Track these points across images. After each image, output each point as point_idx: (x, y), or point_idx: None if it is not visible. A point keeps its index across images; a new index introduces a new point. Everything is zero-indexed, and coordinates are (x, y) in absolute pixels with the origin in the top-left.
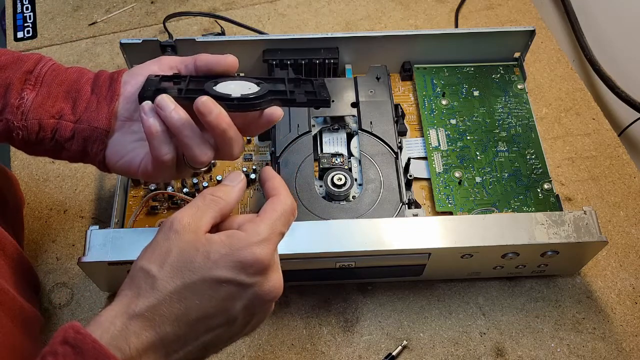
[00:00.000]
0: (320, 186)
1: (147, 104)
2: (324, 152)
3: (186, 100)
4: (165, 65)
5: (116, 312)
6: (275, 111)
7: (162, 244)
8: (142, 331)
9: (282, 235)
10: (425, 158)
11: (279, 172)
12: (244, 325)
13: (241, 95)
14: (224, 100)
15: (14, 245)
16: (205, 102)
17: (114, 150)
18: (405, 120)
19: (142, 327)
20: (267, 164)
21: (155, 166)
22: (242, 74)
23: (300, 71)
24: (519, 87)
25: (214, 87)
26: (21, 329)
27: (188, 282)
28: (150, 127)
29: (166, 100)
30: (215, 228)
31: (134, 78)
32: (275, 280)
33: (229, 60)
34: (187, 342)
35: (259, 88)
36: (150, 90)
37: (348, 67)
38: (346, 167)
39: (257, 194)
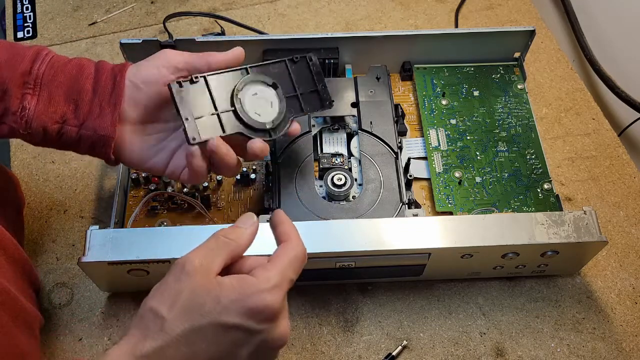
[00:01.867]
0: (320, 186)
1: (196, 150)
2: (324, 152)
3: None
4: (171, 66)
5: (123, 352)
6: (295, 130)
7: (173, 286)
8: None
9: (292, 282)
10: (425, 158)
11: (278, 172)
12: None
13: (272, 121)
14: (262, 132)
15: (15, 245)
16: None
17: (132, 156)
18: (405, 120)
19: None
20: (266, 164)
21: (191, 178)
22: None
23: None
24: (519, 87)
25: (248, 119)
26: (21, 328)
27: (197, 325)
28: (199, 168)
29: (221, 147)
30: (226, 270)
31: (142, 81)
32: (283, 328)
33: (238, 54)
34: None
35: (279, 102)
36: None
37: (348, 67)
38: (346, 167)
39: (257, 194)
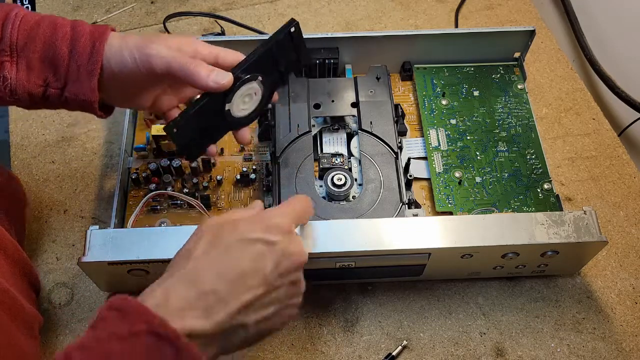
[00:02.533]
0: (320, 186)
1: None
2: (324, 152)
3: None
4: (173, 47)
5: (157, 282)
6: (275, 99)
7: (192, 237)
8: (183, 289)
9: (297, 214)
10: (425, 158)
11: (278, 172)
12: (281, 297)
13: (254, 110)
14: (246, 121)
15: (15, 246)
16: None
17: (115, 101)
18: (405, 120)
19: (182, 286)
20: (266, 164)
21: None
22: None
23: (300, 71)
24: (519, 87)
25: (234, 115)
26: (21, 328)
27: (221, 247)
28: None
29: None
30: None
31: (123, 62)
32: (298, 245)
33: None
34: (227, 300)
35: (261, 89)
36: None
37: (348, 67)
38: (346, 167)
39: (257, 194)
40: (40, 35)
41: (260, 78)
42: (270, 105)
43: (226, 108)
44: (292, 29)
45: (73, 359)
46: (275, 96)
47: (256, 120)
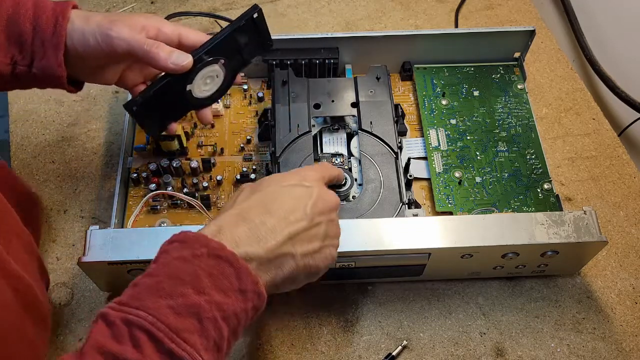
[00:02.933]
0: None
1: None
2: (324, 152)
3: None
4: (136, 28)
5: (208, 223)
6: (238, 79)
7: (233, 195)
8: (235, 223)
9: (327, 170)
10: (425, 158)
11: (279, 172)
12: (321, 233)
13: (217, 90)
14: (208, 101)
15: (27, 234)
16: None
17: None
18: (405, 120)
19: (234, 221)
20: (266, 164)
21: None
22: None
23: (300, 71)
24: (519, 87)
25: (195, 95)
26: (33, 319)
27: (263, 191)
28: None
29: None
30: None
31: (85, 41)
32: (331, 192)
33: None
34: (275, 230)
35: (223, 71)
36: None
37: (348, 67)
38: (346, 167)
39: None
40: (2, 13)
41: (222, 61)
42: (261, 94)
43: (187, 89)
44: (255, 15)
45: (140, 284)
46: (238, 78)
47: (256, 121)
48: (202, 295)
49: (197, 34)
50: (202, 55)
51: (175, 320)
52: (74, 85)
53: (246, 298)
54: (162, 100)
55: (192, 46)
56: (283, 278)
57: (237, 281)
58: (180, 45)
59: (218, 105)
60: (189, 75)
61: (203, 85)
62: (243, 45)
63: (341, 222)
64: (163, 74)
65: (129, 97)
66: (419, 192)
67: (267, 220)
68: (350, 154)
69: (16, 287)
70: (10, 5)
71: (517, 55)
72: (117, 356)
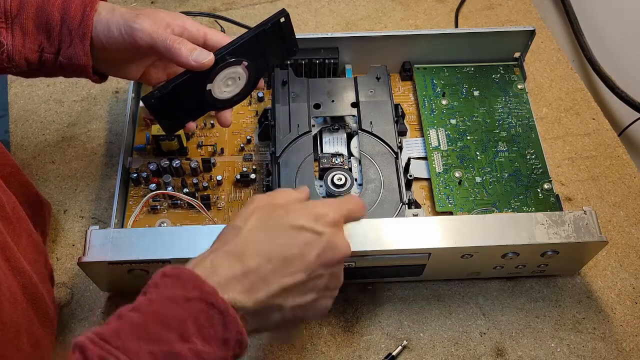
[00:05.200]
0: (321, 186)
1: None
2: (324, 152)
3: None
4: (161, 24)
5: (206, 254)
6: (260, 85)
7: (242, 213)
8: (230, 263)
9: (349, 212)
10: (425, 158)
11: (278, 172)
12: (320, 286)
13: (239, 93)
14: (229, 103)
15: (39, 240)
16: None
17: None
18: (405, 120)
19: (229, 260)
20: (266, 164)
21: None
22: None
23: (300, 71)
24: (519, 87)
25: (215, 96)
26: (39, 317)
27: (270, 228)
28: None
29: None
30: None
31: (110, 33)
32: (344, 240)
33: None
34: (269, 281)
35: (245, 73)
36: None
37: (348, 67)
38: (346, 167)
39: (257, 194)
40: (32, 1)
41: (245, 63)
42: (262, 94)
43: (207, 88)
44: (282, 19)
45: (125, 318)
46: (261, 83)
47: (256, 121)
48: (186, 344)
49: (223, 35)
50: (225, 55)
51: None
52: (99, 75)
53: (228, 347)
54: (181, 97)
55: (217, 47)
56: (267, 327)
57: (223, 330)
58: (205, 45)
59: None
60: (210, 74)
61: (224, 86)
62: (268, 49)
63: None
64: (184, 70)
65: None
66: (419, 192)
67: (263, 267)
68: (350, 154)
69: (24, 284)
70: None
71: (517, 55)
72: None
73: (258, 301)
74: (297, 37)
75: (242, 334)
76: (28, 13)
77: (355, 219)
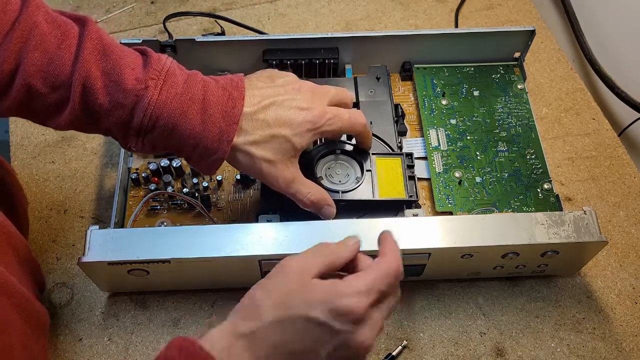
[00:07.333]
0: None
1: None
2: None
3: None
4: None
5: (225, 331)
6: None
7: (273, 281)
8: (243, 351)
9: (382, 294)
10: (425, 158)
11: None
12: None
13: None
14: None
15: (24, 243)
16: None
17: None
18: (405, 120)
19: (243, 348)
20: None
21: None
22: None
23: (300, 71)
24: (519, 87)
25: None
26: (33, 330)
27: (286, 316)
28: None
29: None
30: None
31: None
32: (366, 336)
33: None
34: None
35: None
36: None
37: (348, 67)
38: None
39: (257, 194)
40: (166, 123)
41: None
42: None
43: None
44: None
45: None
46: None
47: None
48: None
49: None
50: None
51: None
52: None
53: None
54: None
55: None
56: None
57: None
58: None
59: None
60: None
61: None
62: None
63: (341, 222)
64: None
65: None
66: (419, 192)
67: (271, 357)
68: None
69: (17, 303)
70: (177, 117)
71: (517, 55)
72: None
73: None
74: (297, 37)
75: None
76: (161, 134)
77: (391, 298)
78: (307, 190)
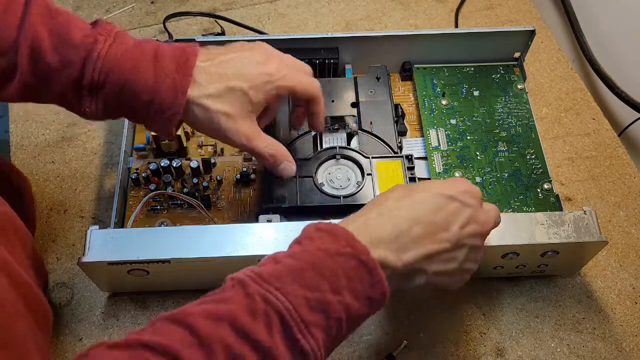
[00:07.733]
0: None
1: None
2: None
3: None
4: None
5: (356, 216)
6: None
7: (385, 193)
8: (380, 224)
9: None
10: (425, 158)
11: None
12: (461, 257)
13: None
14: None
15: (30, 239)
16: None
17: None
18: (405, 120)
19: (380, 222)
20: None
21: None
22: None
23: None
24: (519, 87)
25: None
26: (39, 323)
27: (416, 197)
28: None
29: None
30: None
31: (197, 122)
32: (488, 215)
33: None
34: (419, 244)
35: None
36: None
37: (348, 67)
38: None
39: (256, 194)
40: (118, 78)
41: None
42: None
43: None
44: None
45: (282, 263)
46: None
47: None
48: (336, 295)
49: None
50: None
51: (307, 313)
52: None
53: (371, 306)
54: None
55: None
56: (408, 289)
57: (370, 289)
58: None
59: None
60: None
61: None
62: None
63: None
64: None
65: None
66: None
67: (414, 230)
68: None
69: (25, 295)
70: (129, 71)
71: (517, 55)
72: (248, 333)
73: (406, 262)
74: (297, 37)
75: (385, 295)
76: (113, 90)
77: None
78: (264, 144)
